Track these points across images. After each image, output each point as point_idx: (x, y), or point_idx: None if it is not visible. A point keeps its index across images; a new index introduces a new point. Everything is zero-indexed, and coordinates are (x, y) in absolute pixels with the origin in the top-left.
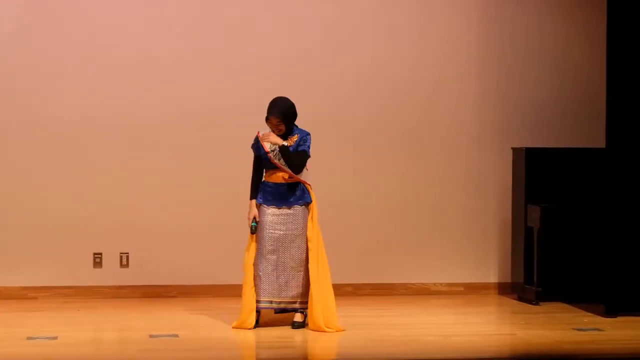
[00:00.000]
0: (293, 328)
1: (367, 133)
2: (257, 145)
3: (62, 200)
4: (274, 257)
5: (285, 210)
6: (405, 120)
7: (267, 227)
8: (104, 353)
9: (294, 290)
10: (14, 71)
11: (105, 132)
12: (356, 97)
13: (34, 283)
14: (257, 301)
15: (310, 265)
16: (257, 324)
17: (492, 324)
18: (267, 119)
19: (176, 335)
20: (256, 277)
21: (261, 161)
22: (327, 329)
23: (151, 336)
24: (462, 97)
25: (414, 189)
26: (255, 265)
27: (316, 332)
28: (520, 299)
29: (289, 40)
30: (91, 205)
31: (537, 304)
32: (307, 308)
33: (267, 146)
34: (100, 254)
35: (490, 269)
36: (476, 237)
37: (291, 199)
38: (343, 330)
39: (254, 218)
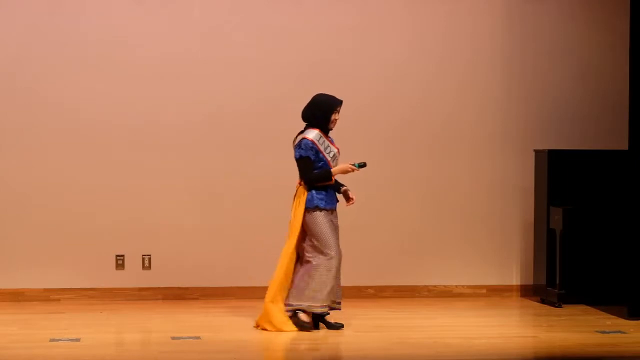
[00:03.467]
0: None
1: (392, 136)
2: (314, 150)
3: (84, 202)
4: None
5: (335, 214)
6: (429, 123)
7: (334, 230)
8: (126, 355)
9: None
10: (36, 72)
11: (127, 134)
12: (380, 101)
13: (56, 285)
14: (322, 306)
15: None
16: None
17: (514, 326)
18: (332, 110)
19: (198, 337)
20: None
21: (315, 164)
22: None
23: (173, 338)
24: (485, 99)
25: (436, 192)
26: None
27: (339, 335)
28: (543, 301)
29: (313, 45)
30: (113, 207)
31: (559, 306)
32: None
33: (329, 153)
34: (123, 256)
35: (512, 271)
36: (498, 239)
37: (336, 200)
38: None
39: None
